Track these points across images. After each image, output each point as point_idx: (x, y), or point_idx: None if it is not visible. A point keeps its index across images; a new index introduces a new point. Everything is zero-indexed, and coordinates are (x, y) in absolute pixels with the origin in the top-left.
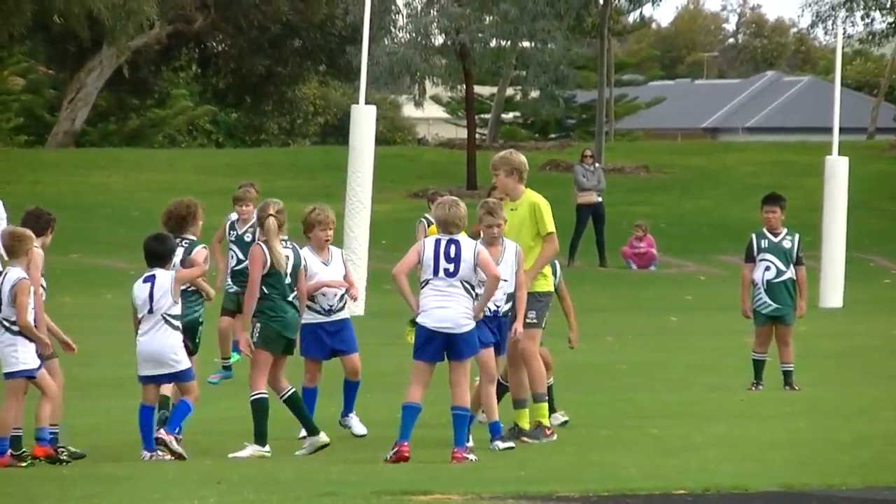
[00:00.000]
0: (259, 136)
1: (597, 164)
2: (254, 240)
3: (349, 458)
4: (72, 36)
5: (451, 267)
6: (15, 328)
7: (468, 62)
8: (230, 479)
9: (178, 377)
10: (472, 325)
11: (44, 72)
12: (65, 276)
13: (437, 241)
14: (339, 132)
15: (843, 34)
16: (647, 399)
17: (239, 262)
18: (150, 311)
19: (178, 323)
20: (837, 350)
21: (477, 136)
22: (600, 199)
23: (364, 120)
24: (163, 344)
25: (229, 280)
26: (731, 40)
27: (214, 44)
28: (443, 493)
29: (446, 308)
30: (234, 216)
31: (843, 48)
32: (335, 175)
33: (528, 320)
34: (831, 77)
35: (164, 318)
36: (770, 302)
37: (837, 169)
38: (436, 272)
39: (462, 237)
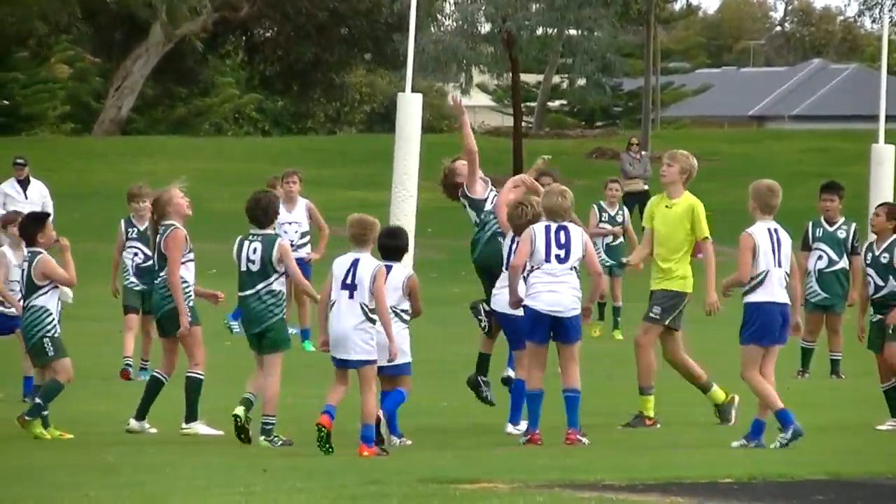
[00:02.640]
0: (305, 124)
1: (643, 153)
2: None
3: (394, 448)
4: (119, 23)
5: (563, 253)
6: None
7: (514, 50)
8: (276, 468)
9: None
10: (578, 309)
11: (90, 60)
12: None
13: (548, 228)
14: (385, 120)
15: (890, 22)
16: (688, 388)
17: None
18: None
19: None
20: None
21: (523, 124)
22: (646, 187)
23: (410, 108)
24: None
25: (131, 277)
26: (778, 28)
27: (261, 31)
28: (489, 482)
29: (557, 293)
30: None
31: (889, 36)
32: (381, 163)
33: (650, 314)
34: (878, 65)
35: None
36: (820, 291)
37: (883, 157)
38: (548, 258)
39: (571, 225)
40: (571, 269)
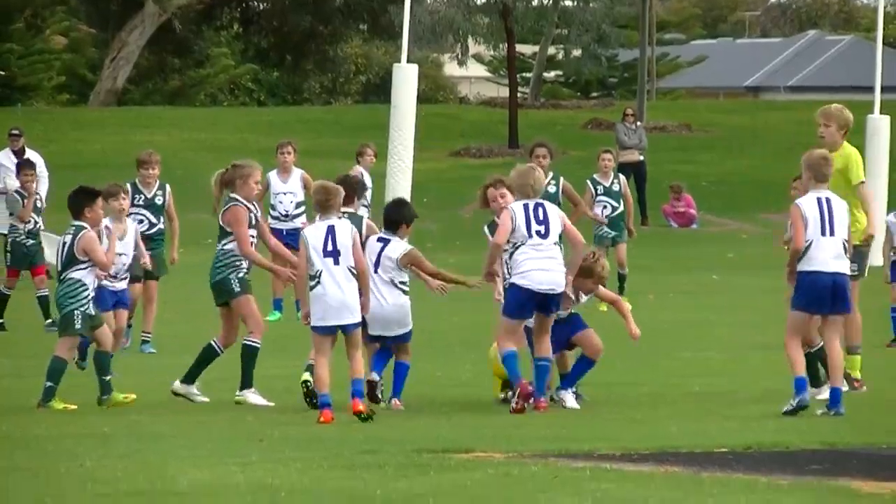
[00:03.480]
0: (301, 95)
1: (638, 123)
2: (163, 203)
3: (391, 417)
4: None
5: (542, 229)
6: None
7: (510, 21)
8: (272, 438)
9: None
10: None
11: (85, 31)
12: None
13: (526, 206)
14: (381, 91)
15: None
16: (689, 357)
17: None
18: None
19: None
20: (879, 309)
21: (519, 94)
22: (642, 157)
23: (406, 79)
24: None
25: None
26: None
27: (256, 2)
28: (484, 452)
29: (549, 271)
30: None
31: (885, 7)
32: (377, 134)
33: (850, 272)
34: (873, 36)
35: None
36: None
37: (879, 127)
38: (529, 234)
39: (546, 202)
40: (555, 243)
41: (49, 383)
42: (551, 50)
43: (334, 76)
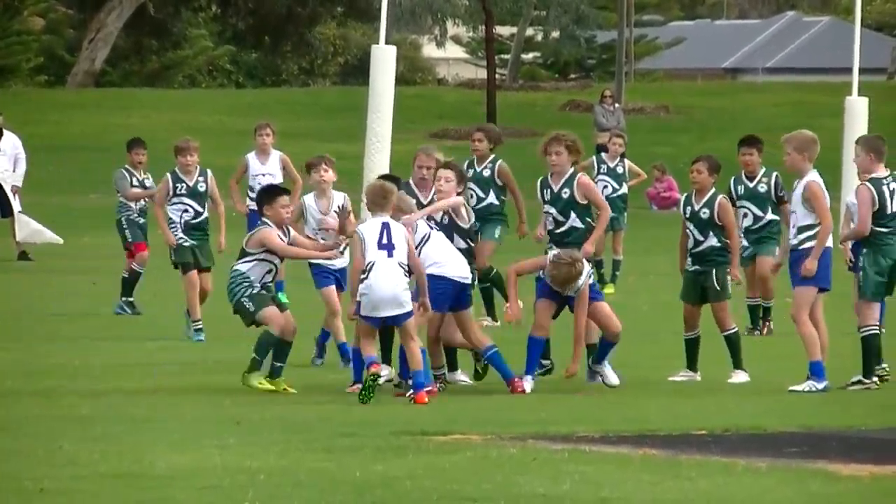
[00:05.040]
0: (279, 77)
1: (616, 105)
2: (206, 189)
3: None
4: None
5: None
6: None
7: (488, 2)
8: (250, 420)
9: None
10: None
11: (63, 12)
12: (85, 216)
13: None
14: (359, 72)
15: None
16: (667, 340)
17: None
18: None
19: None
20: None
21: (497, 76)
22: None
23: (384, 60)
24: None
25: (181, 233)
26: None
27: None
28: (462, 434)
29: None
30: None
31: None
32: (355, 115)
33: None
34: (851, 17)
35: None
36: (750, 247)
37: (857, 109)
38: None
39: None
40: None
41: (275, 362)
42: (529, 31)
43: (312, 58)
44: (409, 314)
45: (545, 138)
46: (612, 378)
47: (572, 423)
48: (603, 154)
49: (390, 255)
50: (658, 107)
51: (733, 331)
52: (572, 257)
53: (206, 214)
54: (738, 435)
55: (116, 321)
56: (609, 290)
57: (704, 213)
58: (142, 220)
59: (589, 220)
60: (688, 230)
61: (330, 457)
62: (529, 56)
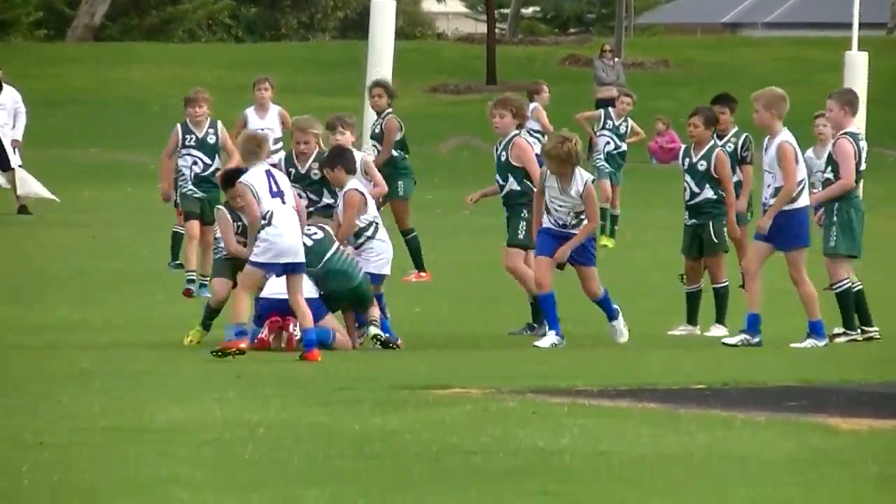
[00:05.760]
0: (279, 31)
1: (616, 59)
2: (216, 141)
3: (368, 354)
4: None
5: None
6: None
7: None
8: (249, 374)
9: None
10: None
11: None
12: (85, 170)
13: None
14: (358, 27)
15: None
16: (666, 295)
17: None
18: None
19: None
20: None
21: (497, 30)
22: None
23: (384, 14)
24: None
25: (190, 185)
26: None
27: None
28: (462, 388)
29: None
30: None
31: None
32: (354, 70)
33: None
34: None
35: None
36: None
37: (857, 64)
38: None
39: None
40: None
41: None
42: None
43: (312, 12)
44: (303, 264)
45: (492, 101)
46: (623, 335)
47: (572, 378)
48: (610, 109)
49: (283, 202)
50: (658, 61)
51: (723, 285)
52: (563, 135)
53: (215, 166)
54: (738, 389)
55: (115, 275)
56: (608, 243)
57: (702, 165)
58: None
59: (528, 182)
60: (685, 182)
61: (329, 411)
62: (529, 10)
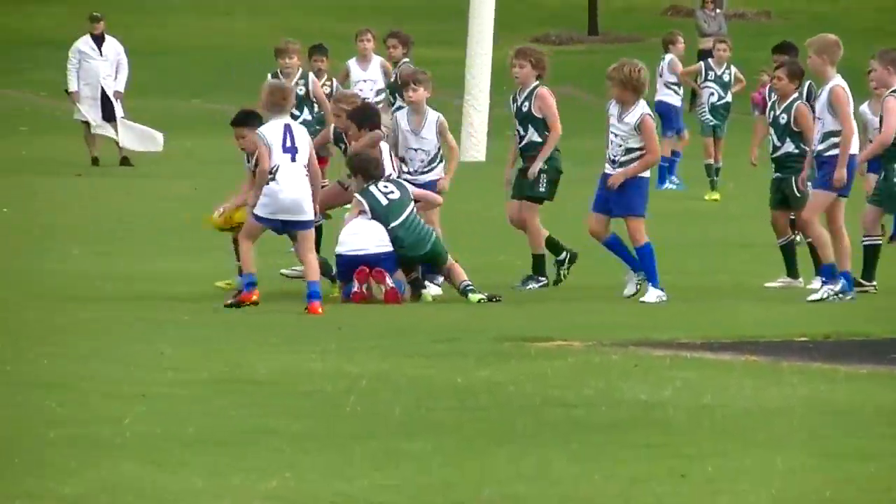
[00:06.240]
0: None
1: (718, 10)
2: (306, 93)
3: (471, 307)
4: None
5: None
6: None
7: None
8: (351, 325)
9: None
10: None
11: None
12: (187, 120)
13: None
14: None
15: None
16: (766, 248)
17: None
18: None
19: None
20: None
21: None
22: None
23: None
24: None
25: None
26: None
27: None
28: (564, 340)
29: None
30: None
31: None
32: (456, 20)
33: None
34: None
35: None
36: None
37: None
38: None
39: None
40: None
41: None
42: None
43: None
44: (310, 223)
45: (512, 51)
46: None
47: (673, 330)
48: (710, 60)
49: (294, 159)
50: (759, 12)
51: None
52: (626, 59)
53: (304, 117)
54: (840, 341)
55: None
56: (714, 196)
57: (783, 118)
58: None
59: (548, 133)
60: (770, 135)
61: (430, 363)
62: None
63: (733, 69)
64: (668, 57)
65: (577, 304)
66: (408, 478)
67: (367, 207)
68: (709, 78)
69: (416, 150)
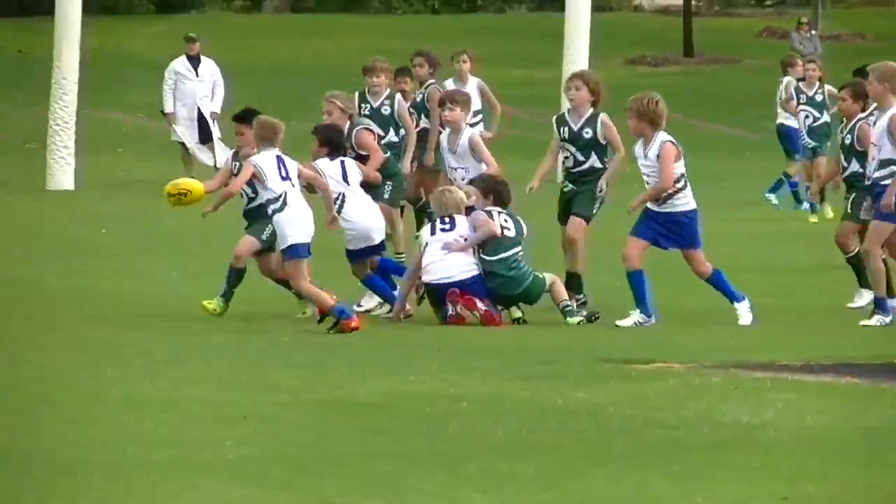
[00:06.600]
0: (475, 3)
1: (813, 32)
2: (392, 113)
3: (570, 328)
4: None
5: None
6: None
7: None
8: (451, 347)
9: None
10: None
11: None
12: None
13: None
14: None
15: None
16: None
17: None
18: None
19: None
20: None
21: (693, 2)
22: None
23: None
24: None
25: None
26: None
27: None
28: (664, 362)
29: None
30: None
31: None
32: (552, 41)
33: None
34: None
35: None
36: None
37: None
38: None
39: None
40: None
41: None
42: None
43: None
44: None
45: (570, 74)
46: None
47: (772, 352)
48: (801, 83)
49: (293, 185)
50: (854, 34)
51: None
52: (646, 93)
53: (390, 138)
54: None
55: (315, 248)
56: (813, 219)
57: (847, 138)
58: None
59: (607, 158)
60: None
61: (532, 384)
62: None
63: (826, 88)
64: (786, 79)
65: (676, 326)
66: (509, 499)
67: (498, 229)
68: (801, 101)
69: (455, 168)
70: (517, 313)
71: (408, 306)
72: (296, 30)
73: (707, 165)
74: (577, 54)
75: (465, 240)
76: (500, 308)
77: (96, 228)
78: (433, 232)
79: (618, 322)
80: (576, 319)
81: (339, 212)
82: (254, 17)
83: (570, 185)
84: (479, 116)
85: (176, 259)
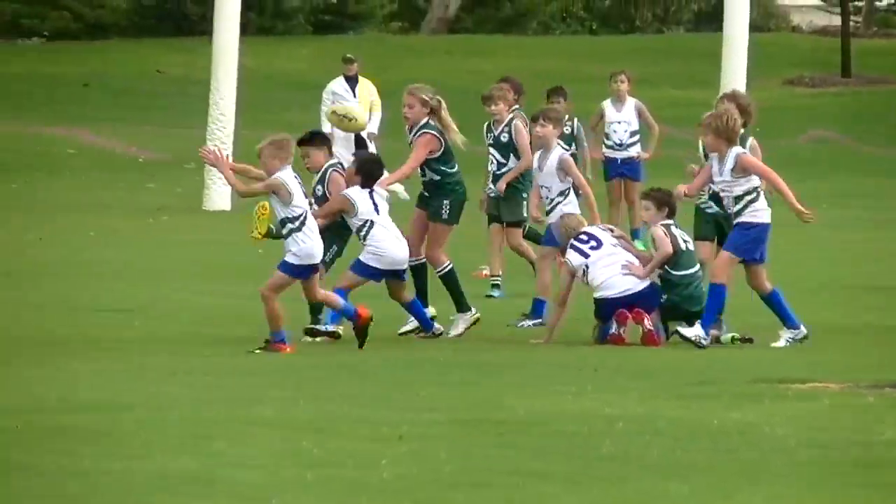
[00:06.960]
0: (633, 24)
1: None
2: (510, 140)
3: (724, 349)
4: None
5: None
6: None
7: None
8: (606, 367)
9: None
10: None
11: None
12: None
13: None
14: (713, 19)
15: None
16: None
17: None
18: None
19: None
20: None
21: (851, 23)
22: None
23: (738, 7)
24: None
25: (490, 183)
26: None
27: None
28: (820, 382)
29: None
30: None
31: None
32: (708, 62)
33: None
34: None
35: None
36: None
37: None
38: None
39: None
40: None
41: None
42: None
43: (666, 4)
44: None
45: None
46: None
47: None
48: None
49: (310, 204)
50: None
51: None
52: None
53: (510, 165)
54: None
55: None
56: None
57: None
58: None
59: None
60: None
61: (687, 404)
62: (884, 2)
63: None
64: None
65: (831, 345)
66: None
67: (670, 247)
68: None
69: (541, 186)
70: (732, 334)
71: (438, 326)
72: (452, 50)
73: (864, 185)
74: (734, 74)
75: (644, 265)
76: (664, 328)
77: (253, 249)
78: (586, 255)
79: (772, 344)
80: (727, 336)
81: (364, 238)
82: (411, 37)
83: (715, 207)
84: (637, 137)
85: (330, 278)
